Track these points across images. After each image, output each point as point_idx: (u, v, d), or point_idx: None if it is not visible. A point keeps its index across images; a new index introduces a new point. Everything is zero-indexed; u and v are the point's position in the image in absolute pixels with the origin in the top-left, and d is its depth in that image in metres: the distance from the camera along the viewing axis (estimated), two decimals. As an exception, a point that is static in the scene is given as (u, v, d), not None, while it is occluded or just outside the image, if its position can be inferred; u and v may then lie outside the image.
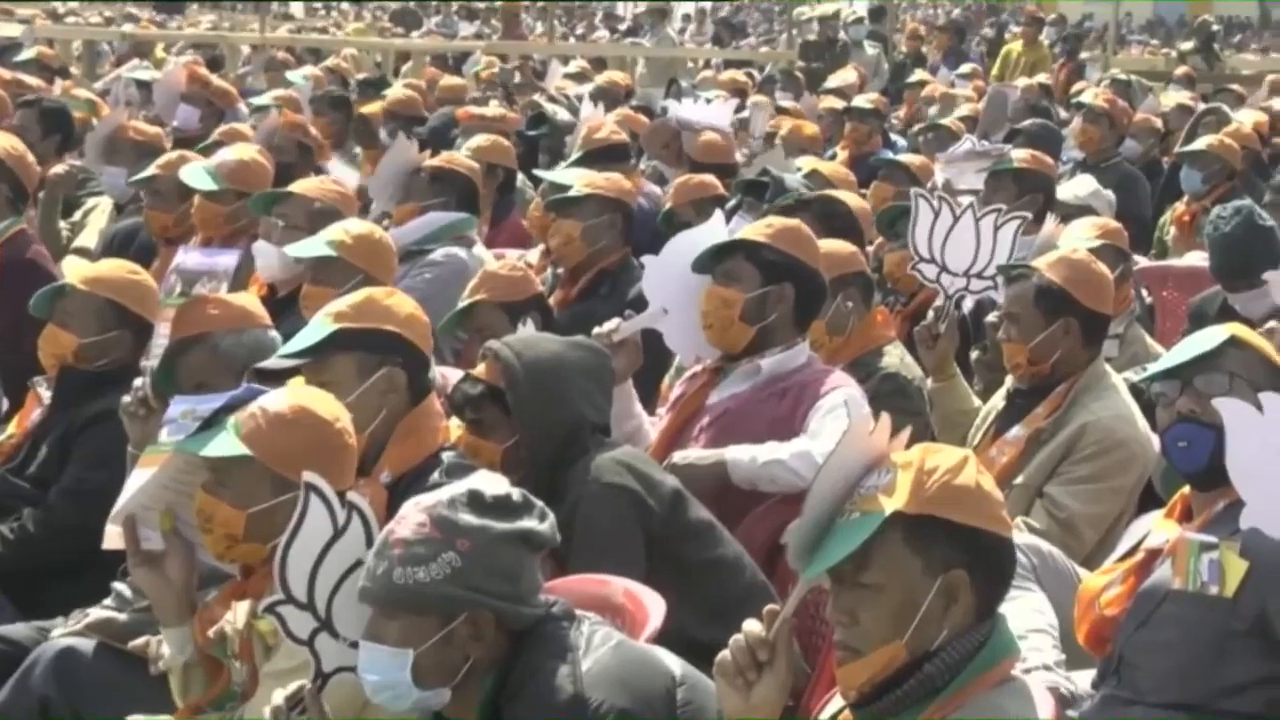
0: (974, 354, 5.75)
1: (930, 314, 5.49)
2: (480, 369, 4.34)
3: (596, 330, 4.88)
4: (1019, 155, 7.85)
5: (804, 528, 2.78)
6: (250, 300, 5.06)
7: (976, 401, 5.39)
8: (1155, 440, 4.78)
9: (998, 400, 5.18)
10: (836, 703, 2.95)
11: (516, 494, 3.24)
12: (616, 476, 4.20)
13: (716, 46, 23.28)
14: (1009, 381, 5.13)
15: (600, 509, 4.14)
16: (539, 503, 3.27)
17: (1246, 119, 11.25)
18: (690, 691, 3.21)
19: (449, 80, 13.78)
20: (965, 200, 5.78)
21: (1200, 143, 9.40)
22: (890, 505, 2.75)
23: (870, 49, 16.86)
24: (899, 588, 2.76)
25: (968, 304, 5.75)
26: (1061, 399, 4.93)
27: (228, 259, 5.12)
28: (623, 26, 28.30)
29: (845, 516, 2.77)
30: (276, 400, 3.74)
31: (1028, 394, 5.01)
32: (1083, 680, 3.97)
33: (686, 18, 30.23)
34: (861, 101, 11.87)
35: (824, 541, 2.78)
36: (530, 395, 4.24)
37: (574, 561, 4.03)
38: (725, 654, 2.79)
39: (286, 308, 5.75)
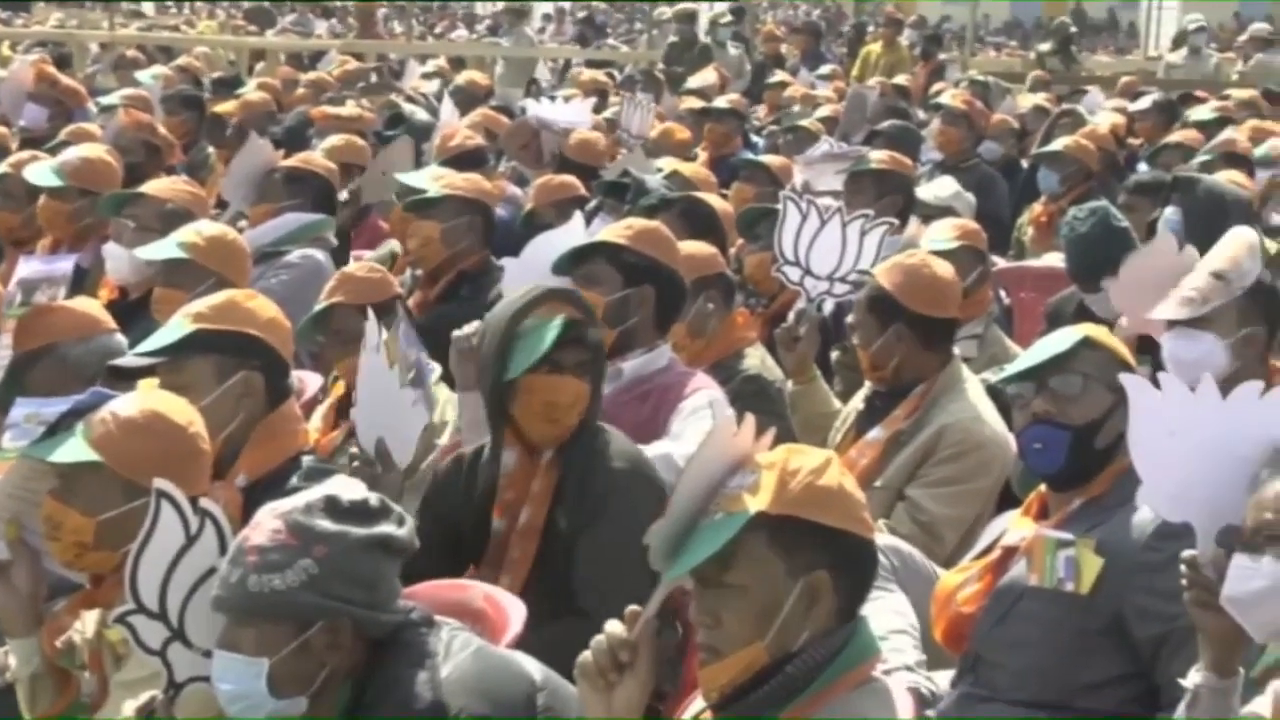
0: (834, 355, 5.78)
1: (791, 316, 5.49)
2: (564, 312, 4.19)
3: (456, 333, 4.84)
4: (877, 156, 7.90)
5: (667, 528, 2.77)
6: (93, 305, 4.97)
7: (836, 404, 5.41)
8: (1012, 441, 4.86)
9: (857, 402, 5.20)
10: (698, 704, 2.94)
11: (374, 499, 3.20)
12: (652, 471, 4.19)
13: (580, 46, 23.26)
14: (868, 383, 5.16)
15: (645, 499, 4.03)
16: (397, 507, 3.23)
17: (1103, 120, 11.41)
18: (551, 697, 3.19)
19: (311, 76, 13.69)
20: (834, 204, 5.79)
21: (1057, 144, 9.50)
22: (754, 505, 2.75)
23: (734, 49, 16.93)
24: (762, 588, 2.76)
25: (828, 305, 5.77)
26: (919, 401, 4.96)
27: (65, 264, 5.04)
28: (482, 26, 28.22)
29: (709, 517, 2.77)
30: (127, 405, 3.67)
31: (886, 396, 5.03)
32: (944, 680, 3.99)
33: (546, 17, 30.21)
34: (721, 102, 11.91)
35: (687, 542, 2.76)
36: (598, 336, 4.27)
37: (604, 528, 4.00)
38: (586, 655, 2.77)
39: (138, 311, 5.66)
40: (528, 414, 4.15)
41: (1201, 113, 11.14)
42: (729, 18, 17.83)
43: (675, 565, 2.76)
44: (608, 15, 33.00)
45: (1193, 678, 3.18)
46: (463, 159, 7.98)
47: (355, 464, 4.19)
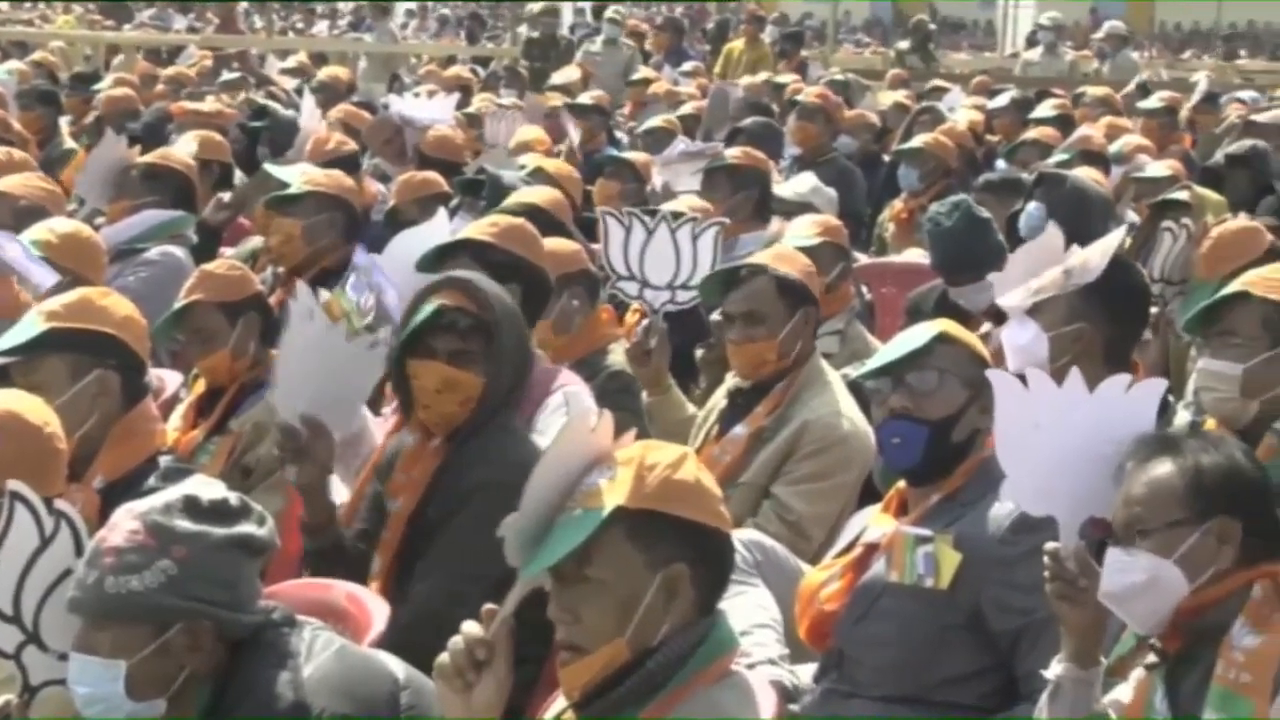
0: (699, 353, 5.78)
1: (638, 331, 5.46)
2: (448, 299, 4.17)
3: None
4: (732, 153, 7.94)
5: (522, 524, 2.77)
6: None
7: (691, 408, 5.40)
8: (873, 435, 4.91)
9: (719, 399, 5.20)
10: (560, 704, 2.94)
11: (234, 498, 3.17)
12: None
13: (469, 43, 23.09)
14: (729, 380, 5.17)
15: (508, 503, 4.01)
16: (257, 506, 3.21)
17: (962, 118, 11.54)
18: (414, 695, 3.18)
19: (170, 71, 13.52)
20: (659, 212, 5.77)
21: (917, 141, 9.59)
22: (612, 500, 2.75)
23: (626, 48, 16.94)
24: (621, 583, 2.76)
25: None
26: (782, 396, 4.97)
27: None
28: (344, 21, 28.00)
29: (567, 513, 2.77)
30: (-20, 405, 3.61)
31: (749, 393, 5.04)
32: (808, 674, 4.02)
33: (409, 13, 30.05)
34: (585, 99, 11.91)
35: (545, 538, 2.77)
36: (508, 327, 4.16)
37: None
38: (444, 656, 2.76)
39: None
40: (410, 398, 4.16)
41: (1044, 110, 11.30)
42: (615, 14, 17.83)
43: (534, 561, 2.76)
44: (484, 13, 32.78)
45: (1054, 669, 3.21)
46: (336, 164, 7.90)
47: (279, 439, 4.14)
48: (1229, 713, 3.01)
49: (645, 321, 5.47)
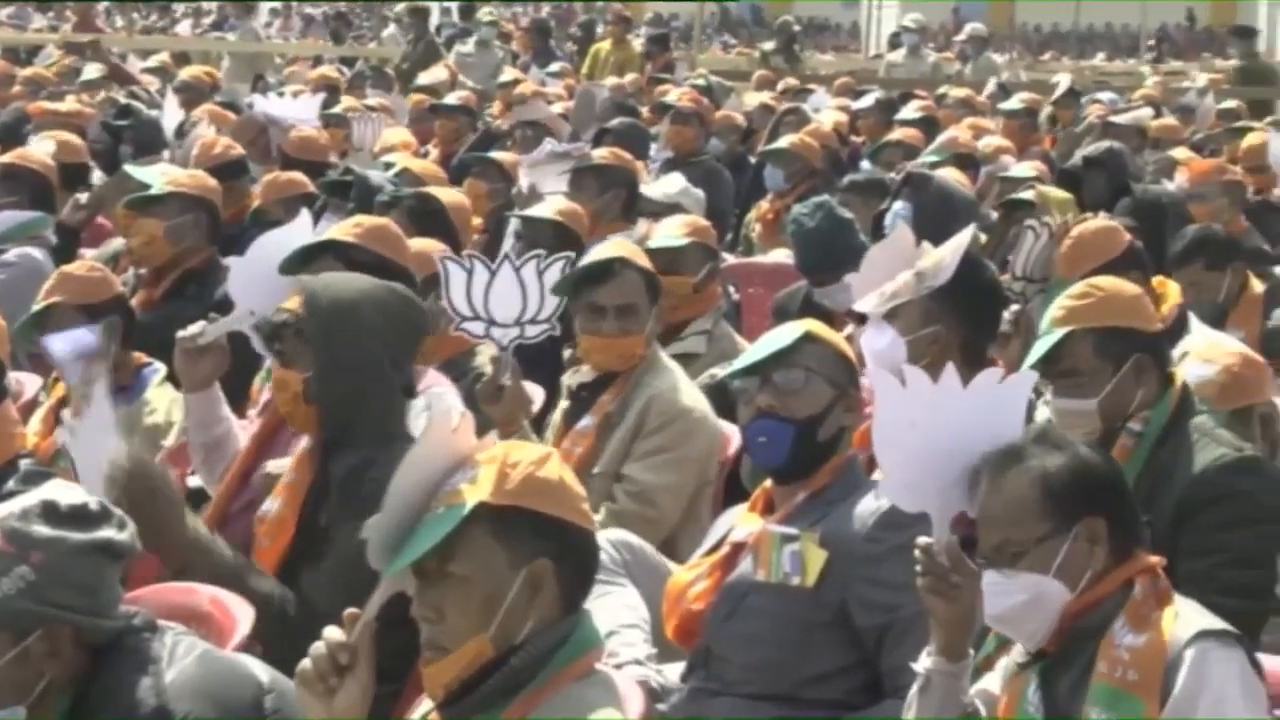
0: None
1: (490, 369, 5.39)
2: (292, 301, 4.16)
3: (180, 334, 4.75)
4: (599, 153, 7.94)
5: (384, 526, 2.76)
6: None
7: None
8: (713, 415, 5.01)
9: (561, 404, 5.22)
10: (425, 705, 2.92)
11: (94, 503, 3.13)
12: None
13: (335, 43, 22.91)
14: (569, 377, 5.17)
15: None
16: (118, 511, 3.16)
17: (826, 119, 11.63)
18: (279, 699, 3.15)
19: (29, 71, 13.32)
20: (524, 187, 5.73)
21: (782, 142, 9.66)
22: (474, 497, 2.75)
23: (499, 50, 16.91)
24: (484, 579, 2.76)
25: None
26: (625, 383, 5.01)
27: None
28: (207, 20, 27.72)
29: (430, 513, 2.76)
30: None
31: (591, 386, 5.06)
32: (676, 673, 4.03)
33: (274, 12, 29.80)
34: (452, 99, 11.87)
35: (408, 539, 2.76)
36: (323, 326, 4.07)
37: None
38: (306, 662, 2.74)
39: None
40: None
41: (908, 112, 11.42)
42: (490, 15, 17.79)
43: (396, 560, 2.75)
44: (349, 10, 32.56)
45: (924, 662, 3.24)
46: (223, 169, 7.80)
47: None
48: (1118, 711, 3.05)
49: (497, 358, 5.40)
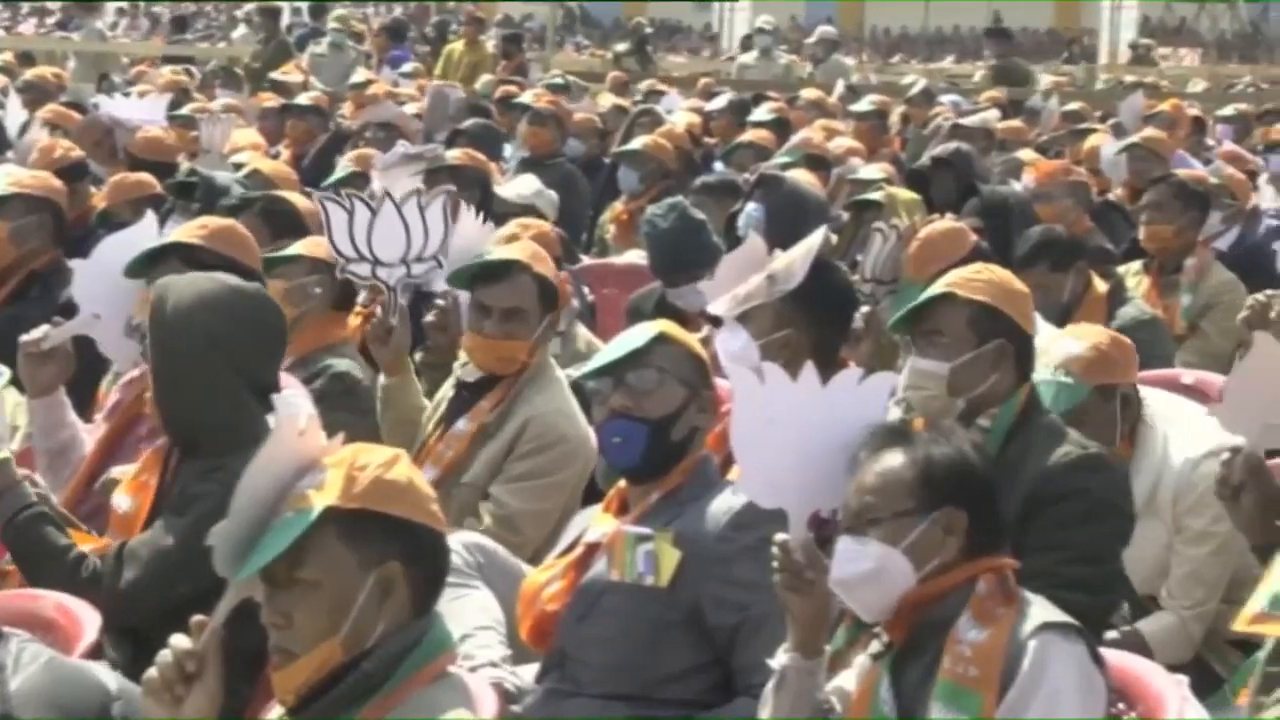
0: (418, 356, 5.72)
1: (378, 310, 5.42)
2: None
3: (25, 337, 4.68)
4: (452, 154, 7.92)
5: (231, 531, 2.73)
6: None
7: (425, 400, 5.36)
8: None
9: (447, 389, 5.17)
10: (276, 710, 2.90)
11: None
12: None
13: (181, 43, 22.61)
14: (457, 370, 5.15)
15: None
16: None
17: (680, 120, 11.67)
18: (127, 706, 3.12)
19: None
20: (377, 191, 5.71)
21: (636, 143, 9.69)
22: (322, 501, 2.74)
23: (353, 51, 16.78)
24: (334, 584, 2.75)
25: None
26: (506, 392, 4.95)
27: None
28: (52, 20, 27.26)
29: (278, 518, 2.74)
30: None
31: (473, 386, 5.03)
32: (531, 675, 4.02)
33: (120, 11, 29.39)
34: (303, 99, 11.79)
35: (257, 545, 2.73)
36: (160, 334, 3.98)
37: None
38: (152, 670, 2.71)
39: None
40: None
41: (760, 113, 11.50)
42: (340, 21, 17.66)
43: (244, 567, 2.73)
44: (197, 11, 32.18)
45: (779, 659, 3.27)
46: (63, 172, 7.67)
47: None
48: (957, 706, 3.08)
49: (384, 299, 5.41)
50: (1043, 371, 4.48)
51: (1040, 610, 3.15)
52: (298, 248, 5.68)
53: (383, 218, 5.39)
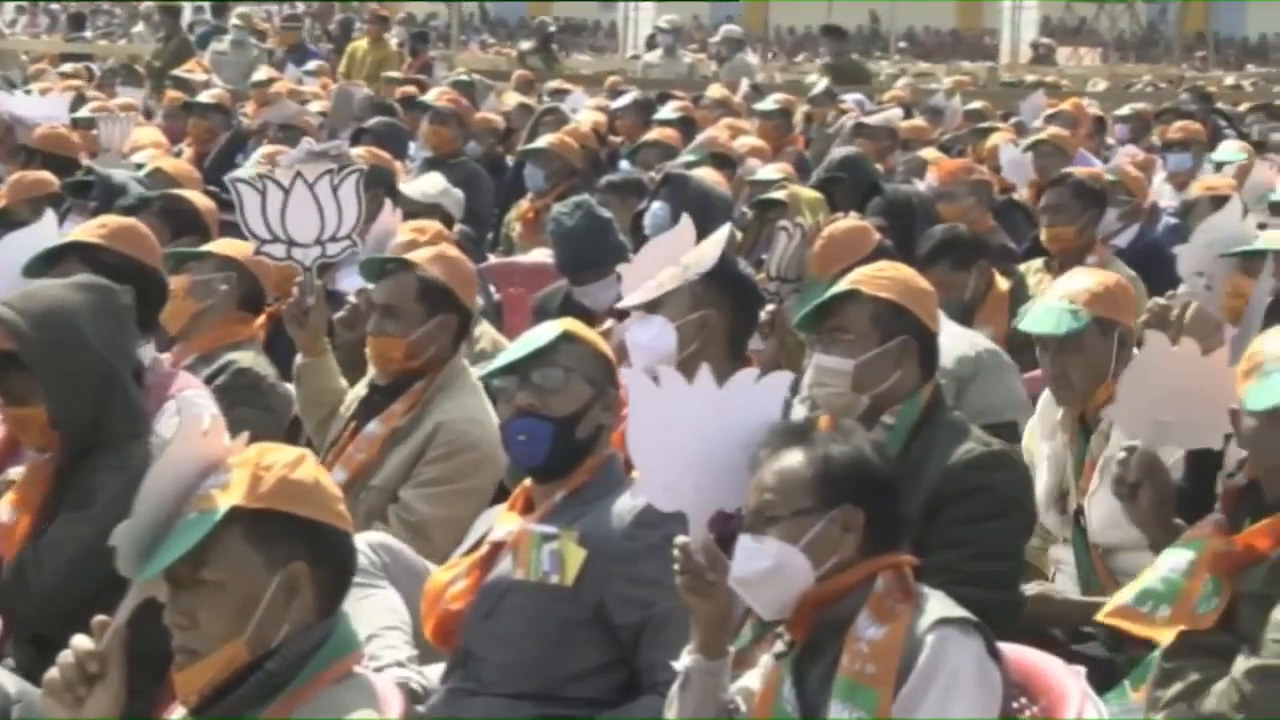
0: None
1: (295, 290, 5.39)
2: None
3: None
4: (356, 153, 7.89)
5: (135, 533, 2.71)
6: None
7: (344, 381, 5.33)
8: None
9: (360, 390, 5.15)
10: (179, 711, 2.88)
11: None
12: None
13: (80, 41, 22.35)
14: (371, 372, 5.13)
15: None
16: None
17: (585, 119, 11.67)
18: (26, 709, 3.10)
19: None
20: (289, 171, 5.68)
21: (541, 141, 9.68)
22: (226, 501, 2.73)
23: (254, 48, 16.66)
24: (239, 584, 2.74)
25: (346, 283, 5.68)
26: (418, 396, 4.93)
27: None
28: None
29: (182, 518, 2.73)
30: None
31: (385, 390, 5.00)
32: (438, 674, 4.01)
33: (20, 9, 29.04)
34: (205, 97, 11.71)
35: (160, 544, 2.72)
36: (43, 349, 3.90)
37: None
38: (53, 671, 2.69)
39: None
40: None
41: (665, 112, 11.52)
42: (243, 18, 17.52)
43: (147, 567, 2.71)
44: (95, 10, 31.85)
45: (684, 660, 3.27)
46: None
47: None
48: (855, 703, 3.10)
49: (299, 279, 5.39)
50: (1050, 299, 4.66)
51: (938, 605, 3.18)
52: (209, 246, 5.66)
53: (295, 198, 5.38)
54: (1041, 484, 4.68)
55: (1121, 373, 4.07)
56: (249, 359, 5.44)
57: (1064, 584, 4.65)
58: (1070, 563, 4.66)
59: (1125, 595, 3.57)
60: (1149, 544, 3.82)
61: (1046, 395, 4.85)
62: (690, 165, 8.52)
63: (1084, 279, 4.78)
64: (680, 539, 3.26)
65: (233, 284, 5.48)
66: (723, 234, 4.80)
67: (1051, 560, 4.75)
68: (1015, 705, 3.39)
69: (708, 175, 7.87)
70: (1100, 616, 3.62)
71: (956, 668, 3.08)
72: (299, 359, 5.30)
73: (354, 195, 5.45)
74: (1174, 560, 3.54)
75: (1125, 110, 13.80)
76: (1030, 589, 4.42)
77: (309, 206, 5.40)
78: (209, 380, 5.14)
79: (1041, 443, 4.80)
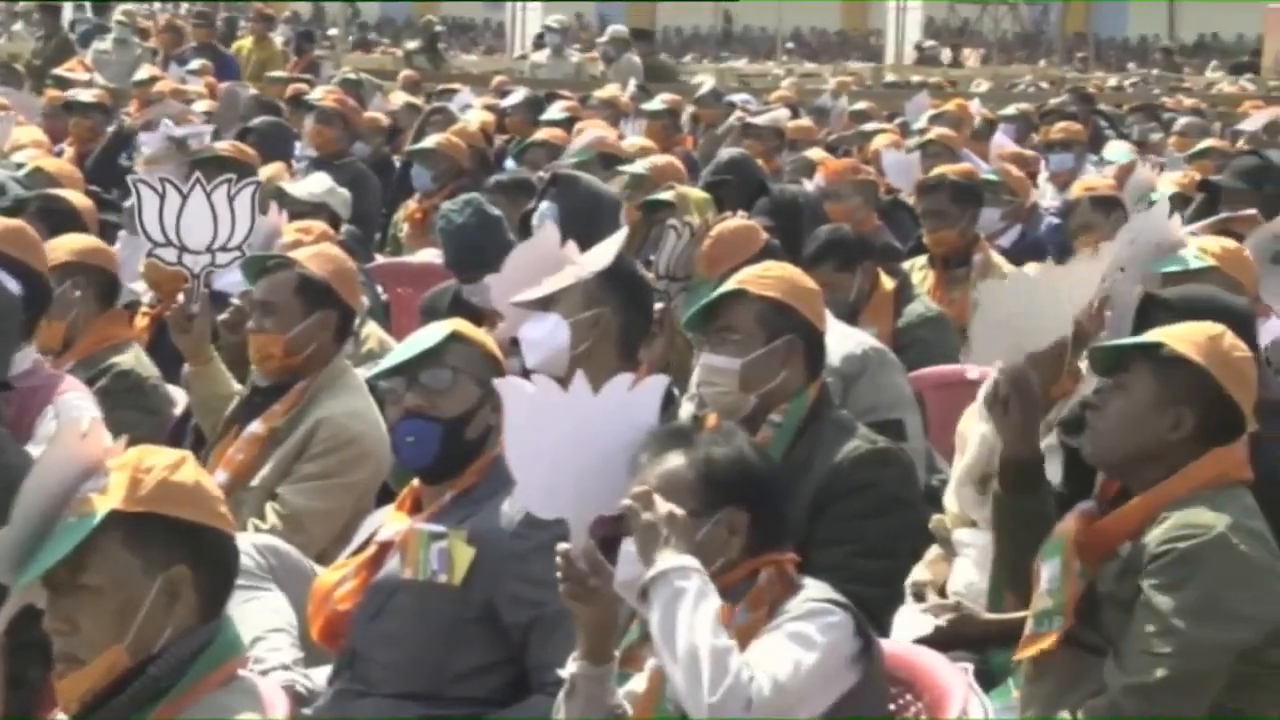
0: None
1: (180, 296, 5.35)
2: None
3: None
4: (220, 146, 7.87)
5: (13, 538, 2.69)
6: None
7: (235, 385, 5.29)
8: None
9: (241, 392, 5.12)
10: (61, 717, 2.85)
11: None
12: None
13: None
14: (254, 373, 5.10)
15: None
16: None
17: (473, 118, 11.64)
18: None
19: None
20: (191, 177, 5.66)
21: (429, 141, 9.65)
22: (105, 505, 2.70)
23: (137, 47, 16.47)
24: (119, 589, 2.71)
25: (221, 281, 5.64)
26: (299, 396, 4.90)
27: None
28: None
29: (61, 522, 2.70)
30: None
31: (268, 390, 4.98)
32: (325, 676, 3.99)
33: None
34: (86, 96, 11.58)
35: (38, 550, 2.69)
36: None
37: None
38: None
39: None
40: None
41: (553, 112, 11.52)
42: (125, 16, 17.32)
43: (25, 572, 2.68)
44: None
45: (569, 666, 3.27)
46: None
47: None
48: None
49: (187, 286, 5.35)
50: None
51: (815, 589, 3.21)
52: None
53: (192, 204, 5.36)
54: (965, 460, 4.72)
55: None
56: (130, 360, 5.39)
57: (966, 568, 4.67)
58: (977, 547, 4.66)
59: (1028, 626, 3.64)
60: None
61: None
62: (578, 165, 8.52)
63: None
64: (561, 545, 3.25)
65: (82, 286, 5.41)
66: (620, 235, 4.82)
67: (956, 543, 4.77)
68: (900, 703, 3.43)
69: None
70: (1018, 656, 3.68)
71: (808, 614, 3.13)
72: (186, 367, 5.26)
73: (248, 206, 5.44)
74: (1049, 572, 3.62)
75: (1011, 110, 13.95)
76: (950, 613, 4.45)
77: (204, 213, 5.38)
78: (92, 383, 5.08)
79: (979, 423, 4.80)
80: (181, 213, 5.38)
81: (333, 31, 24.82)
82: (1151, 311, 4.05)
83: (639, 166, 8.15)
